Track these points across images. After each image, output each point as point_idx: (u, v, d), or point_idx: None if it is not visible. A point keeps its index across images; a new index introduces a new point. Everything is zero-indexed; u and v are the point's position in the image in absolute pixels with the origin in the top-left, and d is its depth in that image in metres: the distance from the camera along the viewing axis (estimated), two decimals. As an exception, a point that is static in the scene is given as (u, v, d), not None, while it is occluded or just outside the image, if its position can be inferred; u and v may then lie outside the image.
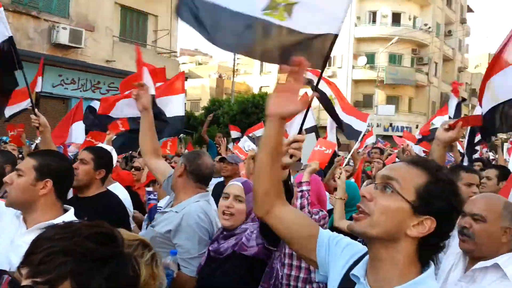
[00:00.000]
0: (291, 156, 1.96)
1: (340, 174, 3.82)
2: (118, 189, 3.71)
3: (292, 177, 2.80)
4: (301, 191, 3.47)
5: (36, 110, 3.59)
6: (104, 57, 16.12)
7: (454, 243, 2.21)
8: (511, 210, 2.10)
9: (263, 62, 39.17)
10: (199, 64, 54.28)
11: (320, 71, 2.78)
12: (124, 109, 5.02)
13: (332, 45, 2.59)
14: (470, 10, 44.65)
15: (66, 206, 2.22)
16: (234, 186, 2.53)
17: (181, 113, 5.60)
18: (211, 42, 2.72)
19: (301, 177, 3.63)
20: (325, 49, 2.61)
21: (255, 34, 2.65)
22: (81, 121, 6.50)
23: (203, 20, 2.71)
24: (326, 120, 7.22)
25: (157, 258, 1.10)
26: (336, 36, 2.58)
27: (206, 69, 48.37)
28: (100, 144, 4.72)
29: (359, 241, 1.63)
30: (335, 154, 5.49)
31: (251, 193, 2.47)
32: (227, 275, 2.37)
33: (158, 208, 3.82)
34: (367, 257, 1.40)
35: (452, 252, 2.24)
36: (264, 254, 2.29)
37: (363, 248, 1.50)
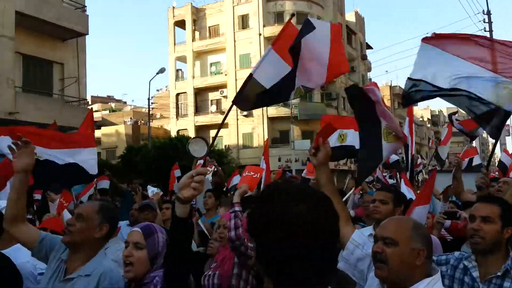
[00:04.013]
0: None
1: None
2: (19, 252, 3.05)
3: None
4: (234, 211, 3.42)
5: None
6: (6, 109, 15.09)
7: (371, 275, 2.08)
8: (421, 231, 1.98)
9: (180, 106, 39.08)
10: (113, 110, 52.76)
11: None
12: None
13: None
14: (369, 47, 48.42)
15: None
16: (132, 233, 2.43)
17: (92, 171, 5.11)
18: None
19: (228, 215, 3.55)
20: None
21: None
22: None
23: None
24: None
25: None
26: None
27: (120, 116, 47.09)
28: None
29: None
30: None
31: (153, 237, 2.38)
32: None
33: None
34: None
35: (370, 285, 2.12)
36: None
37: None
